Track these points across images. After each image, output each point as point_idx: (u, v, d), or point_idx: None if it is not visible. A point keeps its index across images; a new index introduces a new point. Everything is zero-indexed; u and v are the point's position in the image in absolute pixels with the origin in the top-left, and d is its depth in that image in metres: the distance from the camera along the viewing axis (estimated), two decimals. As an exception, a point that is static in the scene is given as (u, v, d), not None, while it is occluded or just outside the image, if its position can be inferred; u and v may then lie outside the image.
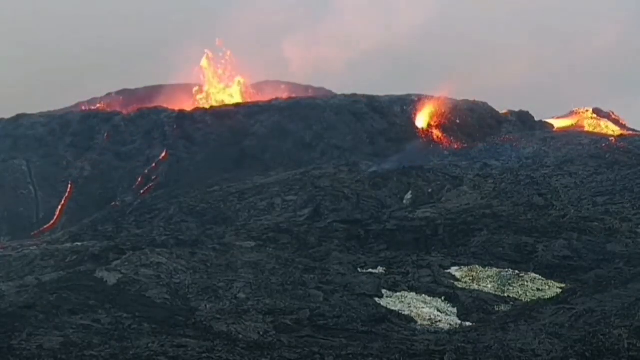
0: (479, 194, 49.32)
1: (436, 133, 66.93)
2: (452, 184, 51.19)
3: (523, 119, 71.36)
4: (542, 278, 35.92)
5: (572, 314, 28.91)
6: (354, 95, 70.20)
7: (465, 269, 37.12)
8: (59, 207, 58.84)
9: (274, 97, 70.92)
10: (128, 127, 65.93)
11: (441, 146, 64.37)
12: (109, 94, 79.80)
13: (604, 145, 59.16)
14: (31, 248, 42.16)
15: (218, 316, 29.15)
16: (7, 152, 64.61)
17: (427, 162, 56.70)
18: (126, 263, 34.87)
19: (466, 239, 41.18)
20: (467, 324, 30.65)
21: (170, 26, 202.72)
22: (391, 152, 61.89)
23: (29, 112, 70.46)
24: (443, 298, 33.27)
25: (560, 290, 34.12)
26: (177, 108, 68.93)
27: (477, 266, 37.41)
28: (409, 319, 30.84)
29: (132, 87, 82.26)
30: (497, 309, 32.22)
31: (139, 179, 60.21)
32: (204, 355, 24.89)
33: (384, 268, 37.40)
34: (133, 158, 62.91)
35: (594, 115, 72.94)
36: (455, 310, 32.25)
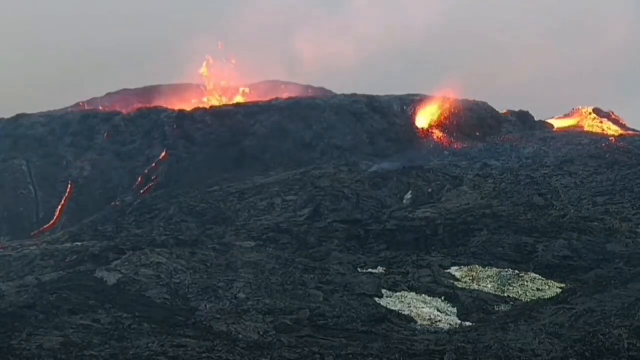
0: (479, 194, 49.32)
1: (436, 133, 66.94)
2: (452, 184, 51.20)
3: (523, 119, 71.32)
4: (542, 278, 35.93)
5: (572, 314, 28.93)
6: (354, 95, 70.18)
7: (465, 269, 37.13)
8: (59, 207, 58.83)
9: (274, 97, 70.89)
10: (128, 127, 65.92)
11: (441, 146, 64.38)
12: (109, 94, 79.74)
13: (604, 145, 59.17)
14: (31, 248, 42.17)
15: (218, 316, 29.17)
16: (7, 152, 64.59)
17: (427, 162, 56.72)
18: (126, 263, 34.88)
19: (466, 239, 41.18)
20: (467, 324, 30.66)
21: (170, 26, 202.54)
22: (391, 152, 61.90)
23: (29, 112, 70.51)
24: (443, 298, 33.29)
25: (560, 290, 34.13)
26: (177, 108, 68.93)
27: (477, 266, 37.41)
28: (409, 319, 30.86)
29: (132, 87, 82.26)
30: (497, 309, 32.24)
31: (139, 179, 60.20)
32: (204, 355, 24.90)
33: (384, 268, 37.41)
34: (133, 158, 62.89)
35: (595, 116, 72.88)
36: (455, 310, 32.26)
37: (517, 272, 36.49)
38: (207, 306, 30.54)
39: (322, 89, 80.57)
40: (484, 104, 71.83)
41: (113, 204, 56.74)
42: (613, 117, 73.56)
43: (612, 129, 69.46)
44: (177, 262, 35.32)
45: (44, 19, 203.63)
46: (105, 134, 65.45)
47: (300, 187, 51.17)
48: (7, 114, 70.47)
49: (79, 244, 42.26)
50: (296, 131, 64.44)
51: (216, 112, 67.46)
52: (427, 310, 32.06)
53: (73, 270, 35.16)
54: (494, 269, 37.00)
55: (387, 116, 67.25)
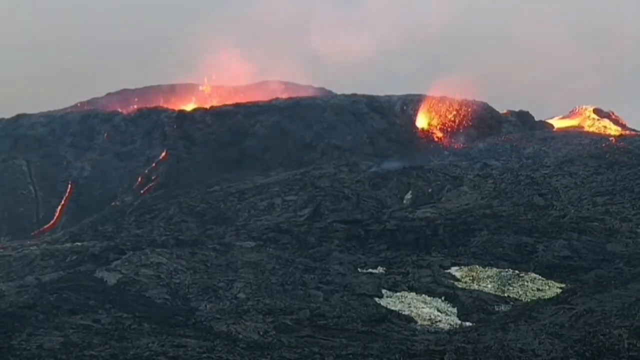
0: (479, 194, 49.31)
1: (436, 133, 66.94)
2: (452, 184, 51.19)
3: (523, 119, 71.31)
4: (542, 278, 35.93)
5: (572, 314, 28.93)
6: (354, 95, 70.18)
7: (465, 269, 37.13)
8: (59, 207, 58.84)
9: (274, 97, 70.89)
10: (128, 127, 65.91)
11: (441, 146, 64.38)
12: (109, 94, 79.74)
13: (604, 145, 59.14)
14: (31, 248, 42.17)
15: (218, 316, 29.18)
16: (7, 152, 64.59)
17: (427, 162, 56.71)
18: (126, 263, 34.89)
19: (466, 239, 41.18)
20: (467, 324, 30.67)
21: (170, 26, 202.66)
22: (391, 152, 61.89)
23: (29, 112, 70.55)
24: (443, 298, 33.29)
25: (560, 290, 34.14)
26: (177, 108, 68.94)
27: (477, 266, 37.41)
28: (409, 319, 30.87)
29: (132, 87, 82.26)
30: (497, 309, 32.25)
31: (139, 179, 60.20)
32: (204, 355, 24.91)
33: (384, 268, 37.41)
34: (133, 158, 62.90)
35: (595, 116, 72.87)
36: (455, 310, 32.27)
37: (517, 272, 36.49)
38: (207, 306, 30.54)
39: (322, 89, 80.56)
40: (484, 103, 71.82)
41: (113, 204, 56.74)
42: (613, 117, 73.56)
43: (612, 129, 69.47)
44: (177, 262, 35.33)
45: (44, 19, 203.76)
46: (105, 134, 65.45)
47: (300, 187, 51.16)
48: (7, 114, 70.60)
49: (79, 244, 42.25)
50: (296, 131, 64.44)
51: (216, 112, 67.44)
52: (427, 310, 32.07)
53: (73, 270, 35.16)
54: (494, 269, 37.00)
55: (387, 116, 67.25)
